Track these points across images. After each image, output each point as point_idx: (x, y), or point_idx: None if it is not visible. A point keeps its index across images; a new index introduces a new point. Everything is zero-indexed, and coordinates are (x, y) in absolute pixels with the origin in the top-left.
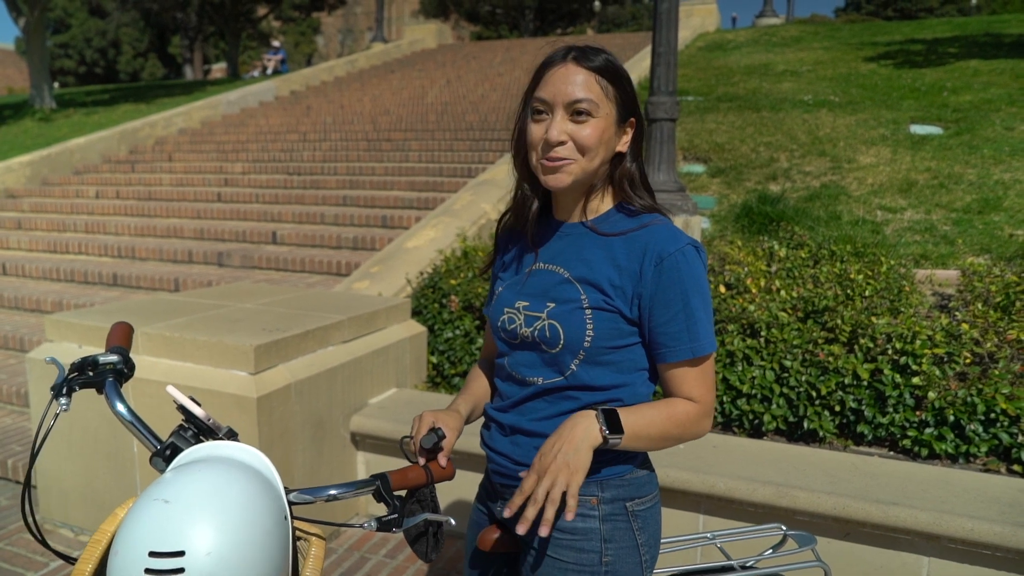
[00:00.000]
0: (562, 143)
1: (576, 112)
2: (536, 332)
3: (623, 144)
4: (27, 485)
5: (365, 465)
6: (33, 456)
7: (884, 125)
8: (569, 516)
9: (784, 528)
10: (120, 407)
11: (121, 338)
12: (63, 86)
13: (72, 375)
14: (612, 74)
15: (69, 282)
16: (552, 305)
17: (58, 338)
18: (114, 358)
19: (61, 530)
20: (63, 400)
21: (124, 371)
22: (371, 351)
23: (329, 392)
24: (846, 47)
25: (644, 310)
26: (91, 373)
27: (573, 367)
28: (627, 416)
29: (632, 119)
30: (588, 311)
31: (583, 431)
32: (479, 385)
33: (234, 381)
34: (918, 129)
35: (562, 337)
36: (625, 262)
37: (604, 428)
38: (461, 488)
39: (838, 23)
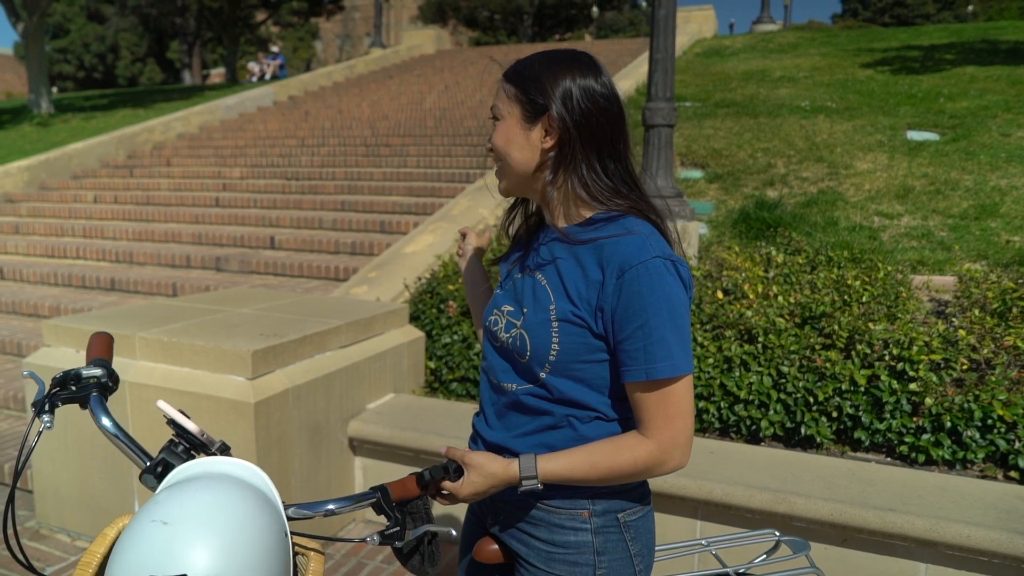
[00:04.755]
0: (490, 149)
1: (493, 119)
2: (510, 340)
3: (546, 143)
4: (11, 501)
5: (363, 470)
6: (16, 474)
7: (881, 131)
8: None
9: (778, 534)
10: (106, 422)
11: (102, 350)
12: (62, 91)
13: (55, 390)
14: (515, 75)
15: (67, 287)
16: (527, 312)
17: (56, 343)
18: (98, 371)
19: (58, 535)
20: (46, 417)
21: (109, 384)
22: (369, 356)
23: (327, 397)
24: (843, 53)
25: (607, 324)
26: (74, 388)
27: (542, 376)
28: (551, 463)
29: (547, 115)
30: (555, 323)
31: (503, 467)
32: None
33: (231, 386)
34: (915, 135)
35: (529, 348)
36: (592, 272)
37: (520, 474)
38: None
39: (835, 29)
